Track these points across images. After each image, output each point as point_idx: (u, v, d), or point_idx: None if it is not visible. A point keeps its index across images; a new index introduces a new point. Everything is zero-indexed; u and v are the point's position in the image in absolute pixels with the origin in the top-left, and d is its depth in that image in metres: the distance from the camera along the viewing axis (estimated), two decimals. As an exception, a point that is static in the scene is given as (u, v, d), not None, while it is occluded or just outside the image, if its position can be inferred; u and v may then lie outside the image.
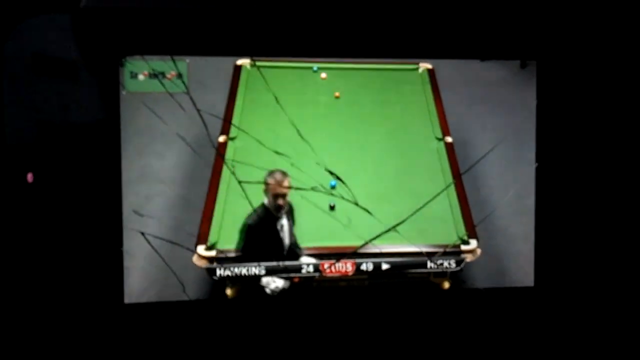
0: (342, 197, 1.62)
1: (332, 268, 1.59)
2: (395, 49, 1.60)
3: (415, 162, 1.80)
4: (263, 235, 1.60)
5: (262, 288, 1.58)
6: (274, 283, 1.59)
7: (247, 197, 1.58)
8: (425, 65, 1.85)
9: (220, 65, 1.65)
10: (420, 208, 1.63)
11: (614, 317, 1.68)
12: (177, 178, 1.61)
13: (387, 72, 1.84)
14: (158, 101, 1.54)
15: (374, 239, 1.60)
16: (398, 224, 1.61)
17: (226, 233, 1.61)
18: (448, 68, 1.79)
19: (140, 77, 1.53)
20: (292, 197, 1.61)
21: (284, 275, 1.58)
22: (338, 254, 1.59)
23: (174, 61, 1.54)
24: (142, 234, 1.52)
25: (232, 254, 1.57)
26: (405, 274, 1.63)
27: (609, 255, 1.67)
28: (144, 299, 1.54)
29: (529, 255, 1.69)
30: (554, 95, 1.66)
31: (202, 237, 1.58)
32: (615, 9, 1.62)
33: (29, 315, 1.46)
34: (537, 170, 1.67)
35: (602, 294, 1.68)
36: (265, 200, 1.60)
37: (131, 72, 1.53)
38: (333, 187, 1.63)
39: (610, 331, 1.67)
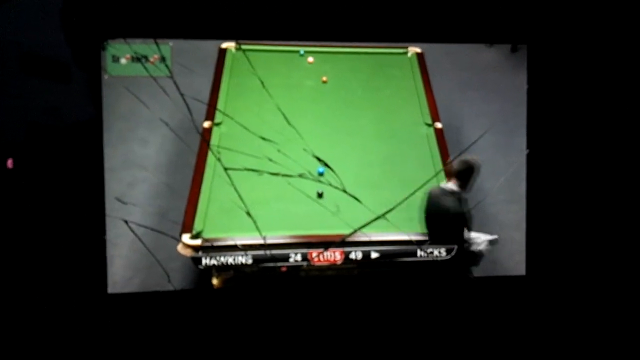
0: (330, 184, 1.60)
1: (321, 257, 1.57)
2: (383, 33, 1.59)
3: (405, 148, 1.77)
4: None
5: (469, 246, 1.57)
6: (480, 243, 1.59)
7: (233, 184, 1.55)
8: (414, 50, 1.83)
9: (205, 49, 1.63)
10: (410, 195, 1.60)
11: (605, 305, 1.67)
12: (161, 164, 1.59)
13: (376, 57, 1.82)
14: (141, 85, 1.51)
15: (363, 227, 1.57)
16: (387, 212, 1.58)
17: (212, 221, 1.57)
18: (437, 52, 1.78)
19: (123, 60, 1.51)
20: (279, 184, 1.59)
21: (272, 264, 1.55)
22: (326, 243, 1.57)
23: (157, 44, 1.51)
24: (126, 222, 1.49)
25: (218, 243, 1.55)
26: (395, 263, 1.60)
27: (600, 243, 1.67)
28: (128, 288, 1.52)
29: (521, 243, 1.68)
30: (545, 80, 1.64)
31: (187, 226, 1.55)
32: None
33: (11, 305, 1.44)
34: (528, 156, 1.65)
35: (594, 282, 1.67)
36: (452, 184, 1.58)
37: (113, 56, 1.50)
38: (321, 174, 1.61)
39: (601, 319, 1.66)
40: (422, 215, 1.60)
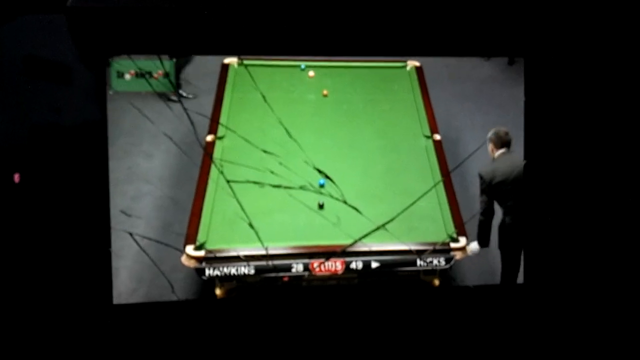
0: (331, 196, 1.62)
1: (322, 267, 1.59)
2: (382, 47, 1.60)
3: (404, 160, 1.79)
4: None
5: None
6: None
7: (235, 196, 1.58)
8: (413, 63, 1.86)
9: (208, 64, 1.65)
10: (410, 206, 1.63)
11: (604, 314, 1.68)
12: (164, 178, 1.60)
13: (375, 70, 1.84)
14: (145, 101, 1.53)
15: (363, 237, 1.59)
16: (387, 222, 1.61)
17: (215, 233, 1.60)
18: (436, 65, 1.80)
19: (127, 76, 1.53)
20: (281, 195, 1.61)
21: (274, 275, 1.57)
22: (327, 253, 1.59)
23: (160, 60, 1.53)
24: (130, 234, 1.51)
25: (221, 254, 1.57)
26: (395, 272, 1.63)
27: (599, 252, 1.68)
28: (132, 299, 1.53)
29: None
30: (542, 93, 1.66)
31: (190, 237, 1.57)
32: (602, 5, 1.63)
33: (16, 316, 1.45)
34: (526, 167, 1.67)
35: (593, 291, 1.68)
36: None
37: (118, 72, 1.52)
38: (322, 186, 1.63)
39: (600, 328, 1.67)
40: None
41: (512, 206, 1.67)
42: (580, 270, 1.68)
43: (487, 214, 1.69)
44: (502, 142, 1.68)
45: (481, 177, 1.69)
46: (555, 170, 1.67)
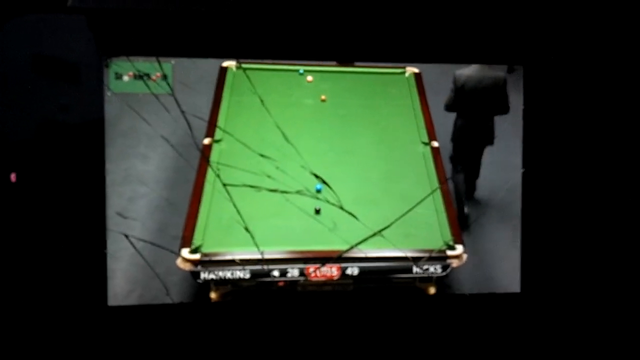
0: (328, 201, 1.62)
1: (317, 272, 1.59)
2: (381, 53, 1.60)
3: (402, 166, 1.79)
4: None
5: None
6: None
7: (231, 200, 1.57)
8: (411, 70, 1.86)
9: (206, 67, 1.65)
10: (406, 213, 1.63)
11: (601, 323, 1.68)
12: (161, 180, 1.60)
13: (374, 76, 1.84)
14: (143, 103, 1.53)
15: (360, 243, 1.59)
16: (384, 229, 1.61)
17: (210, 236, 1.60)
18: (435, 72, 1.80)
19: (125, 78, 1.53)
20: (277, 200, 1.61)
21: (269, 279, 1.57)
22: (323, 258, 1.59)
23: (159, 62, 1.53)
24: (126, 236, 1.51)
25: (217, 257, 1.57)
26: (391, 279, 1.62)
27: (596, 261, 1.67)
28: (127, 301, 1.53)
29: (516, 261, 1.68)
30: (540, 100, 1.66)
31: (186, 240, 1.57)
32: (602, 13, 1.63)
33: (10, 317, 1.46)
34: (524, 175, 1.67)
35: (590, 300, 1.68)
36: None
37: (116, 73, 1.52)
38: (319, 191, 1.63)
39: (597, 338, 1.67)
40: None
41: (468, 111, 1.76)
42: (577, 279, 1.68)
43: (450, 109, 1.80)
44: None
45: (454, 79, 1.76)
46: (553, 176, 1.67)
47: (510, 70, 1.68)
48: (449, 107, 1.80)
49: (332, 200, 1.62)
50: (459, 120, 1.79)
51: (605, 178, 1.66)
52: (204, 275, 1.55)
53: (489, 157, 1.72)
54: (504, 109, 1.70)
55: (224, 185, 1.58)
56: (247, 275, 1.56)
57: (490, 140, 1.73)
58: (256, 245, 1.56)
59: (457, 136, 1.80)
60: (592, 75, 1.65)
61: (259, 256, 1.56)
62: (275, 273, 1.56)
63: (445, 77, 1.75)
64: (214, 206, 1.63)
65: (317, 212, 1.64)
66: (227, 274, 1.56)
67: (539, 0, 1.60)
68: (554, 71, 1.65)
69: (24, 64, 1.46)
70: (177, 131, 1.55)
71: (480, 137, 1.75)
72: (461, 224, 1.69)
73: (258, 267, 1.56)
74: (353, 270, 1.60)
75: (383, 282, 1.62)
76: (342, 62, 1.74)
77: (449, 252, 1.65)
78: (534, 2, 1.60)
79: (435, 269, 1.63)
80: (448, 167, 1.74)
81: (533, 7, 1.59)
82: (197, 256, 1.56)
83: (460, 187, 1.78)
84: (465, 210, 1.74)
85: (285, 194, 1.60)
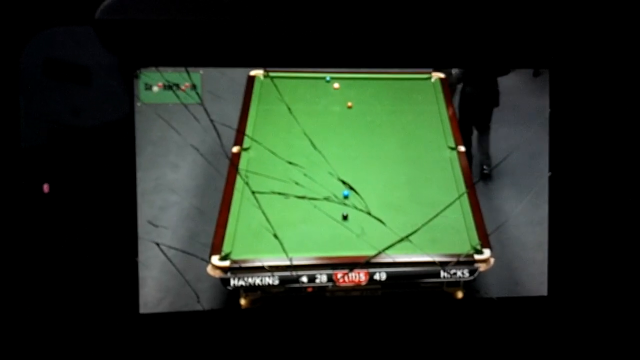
0: (355, 207, 1.63)
1: (346, 278, 1.60)
2: (407, 59, 1.61)
3: (428, 171, 1.80)
4: None
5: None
6: None
7: (260, 207, 1.59)
8: (437, 75, 1.86)
9: (234, 77, 1.66)
10: (433, 217, 1.63)
11: (627, 326, 1.67)
12: (191, 189, 1.62)
13: (400, 82, 1.85)
14: (172, 112, 1.55)
15: (387, 248, 1.60)
16: (411, 234, 1.61)
17: (240, 243, 1.61)
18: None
19: (155, 88, 1.54)
20: (305, 207, 1.62)
21: (298, 285, 1.58)
22: (351, 264, 1.60)
23: (188, 73, 1.55)
24: (157, 244, 1.53)
25: (246, 264, 1.58)
26: (419, 284, 1.63)
27: (622, 264, 1.67)
28: (158, 309, 1.54)
29: (543, 264, 1.68)
30: (566, 104, 1.65)
31: (216, 248, 1.59)
32: (627, 17, 1.62)
33: (45, 325, 1.47)
34: (550, 179, 1.66)
35: (616, 303, 1.67)
36: None
37: (146, 84, 1.54)
38: (346, 197, 1.64)
39: (623, 341, 1.66)
40: None
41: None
42: (604, 283, 1.67)
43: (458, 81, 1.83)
44: None
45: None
46: (580, 180, 1.66)
47: (536, 74, 1.68)
48: (459, 80, 1.82)
49: (359, 206, 1.63)
50: (467, 87, 1.80)
51: (632, 181, 1.66)
52: (233, 282, 1.57)
53: (515, 160, 1.71)
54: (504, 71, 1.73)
55: (253, 192, 1.59)
56: (276, 282, 1.57)
57: (496, 102, 1.74)
58: (285, 251, 1.58)
59: (466, 102, 1.82)
60: (619, 78, 1.64)
61: (287, 262, 1.57)
62: (304, 279, 1.57)
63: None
64: (243, 213, 1.65)
65: (345, 218, 1.65)
66: (257, 280, 1.57)
67: (564, 4, 1.60)
68: (580, 75, 1.64)
69: (54, 76, 1.47)
70: (207, 140, 1.56)
71: (487, 100, 1.76)
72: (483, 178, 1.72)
73: (287, 273, 1.57)
74: (381, 275, 1.60)
75: (411, 287, 1.63)
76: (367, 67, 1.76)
77: (477, 257, 1.66)
78: (559, 7, 1.59)
79: (462, 273, 1.63)
80: (475, 171, 1.74)
81: (558, 11, 1.59)
82: (226, 263, 1.58)
83: (478, 147, 1.81)
84: (485, 169, 1.75)
85: (313, 201, 1.61)
